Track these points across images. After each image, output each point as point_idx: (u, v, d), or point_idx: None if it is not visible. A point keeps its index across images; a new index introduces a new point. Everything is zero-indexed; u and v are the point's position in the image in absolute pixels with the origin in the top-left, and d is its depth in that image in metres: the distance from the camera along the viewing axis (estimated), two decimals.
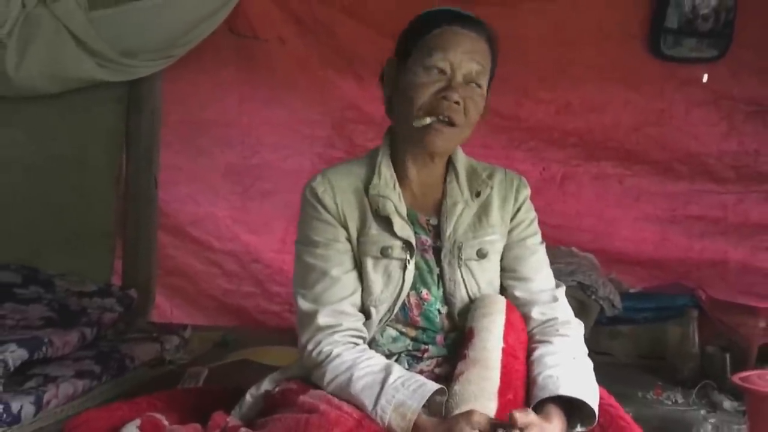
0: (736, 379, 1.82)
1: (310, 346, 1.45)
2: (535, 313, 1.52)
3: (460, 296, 1.51)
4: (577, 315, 1.57)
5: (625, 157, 3.30)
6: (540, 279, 1.57)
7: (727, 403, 2.22)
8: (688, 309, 2.60)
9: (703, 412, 2.21)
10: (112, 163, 3.22)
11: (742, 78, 3.22)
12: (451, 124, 1.46)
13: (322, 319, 1.45)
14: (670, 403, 2.30)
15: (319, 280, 1.49)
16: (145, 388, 2.28)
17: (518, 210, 1.59)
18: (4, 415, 1.85)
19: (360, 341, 1.47)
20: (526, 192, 1.61)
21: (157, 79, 3.20)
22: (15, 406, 1.88)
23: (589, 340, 1.56)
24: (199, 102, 3.38)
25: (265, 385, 1.53)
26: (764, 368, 2.36)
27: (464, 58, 1.46)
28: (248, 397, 1.53)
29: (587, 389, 1.35)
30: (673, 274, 3.23)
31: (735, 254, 3.25)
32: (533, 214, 1.62)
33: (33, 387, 2.01)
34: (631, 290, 2.94)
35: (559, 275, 2.60)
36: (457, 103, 1.44)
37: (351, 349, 1.44)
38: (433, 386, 1.31)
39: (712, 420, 2.01)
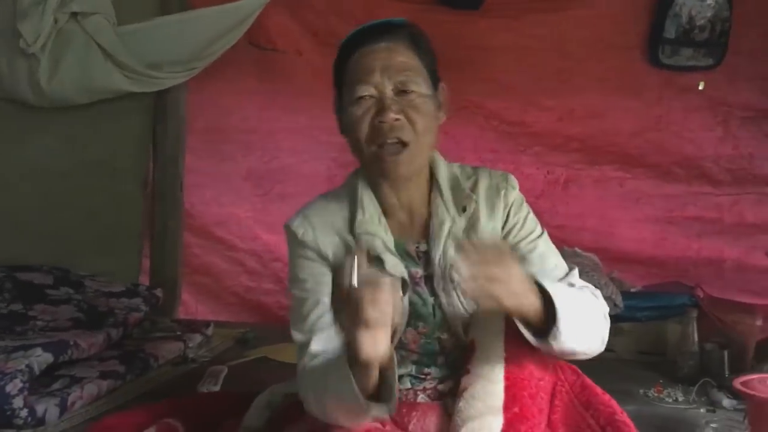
0: (737, 384, 1.67)
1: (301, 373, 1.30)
2: None
3: (461, 317, 1.33)
4: None
5: (625, 161, 3.15)
6: (548, 271, 1.34)
7: (726, 401, 2.07)
8: (687, 308, 2.46)
9: (703, 410, 2.06)
10: (140, 169, 3.13)
11: (737, 85, 3.07)
12: (402, 144, 1.27)
13: (315, 346, 1.29)
14: (670, 401, 2.15)
15: (312, 308, 1.33)
16: (166, 386, 2.19)
17: (508, 214, 1.37)
18: (29, 419, 1.76)
19: None
20: (514, 194, 1.39)
21: (182, 89, 3.11)
22: (40, 409, 1.78)
23: None
24: (221, 110, 3.28)
25: (266, 395, 1.42)
26: (761, 365, 2.27)
27: (386, 74, 1.28)
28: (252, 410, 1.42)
29: (564, 292, 1.18)
30: (671, 272, 3.08)
31: (731, 253, 3.10)
32: (525, 212, 1.39)
33: (58, 389, 1.91)
34: (632, 289, 2.79)
35: None
36: (397, 119, 1.26)
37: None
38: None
39: (714, 424, 1.88)
